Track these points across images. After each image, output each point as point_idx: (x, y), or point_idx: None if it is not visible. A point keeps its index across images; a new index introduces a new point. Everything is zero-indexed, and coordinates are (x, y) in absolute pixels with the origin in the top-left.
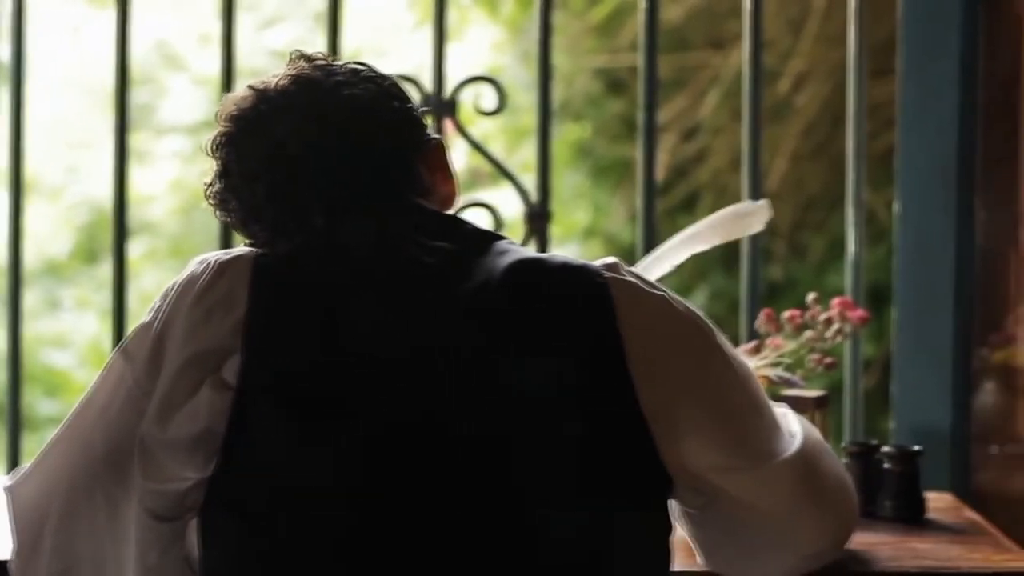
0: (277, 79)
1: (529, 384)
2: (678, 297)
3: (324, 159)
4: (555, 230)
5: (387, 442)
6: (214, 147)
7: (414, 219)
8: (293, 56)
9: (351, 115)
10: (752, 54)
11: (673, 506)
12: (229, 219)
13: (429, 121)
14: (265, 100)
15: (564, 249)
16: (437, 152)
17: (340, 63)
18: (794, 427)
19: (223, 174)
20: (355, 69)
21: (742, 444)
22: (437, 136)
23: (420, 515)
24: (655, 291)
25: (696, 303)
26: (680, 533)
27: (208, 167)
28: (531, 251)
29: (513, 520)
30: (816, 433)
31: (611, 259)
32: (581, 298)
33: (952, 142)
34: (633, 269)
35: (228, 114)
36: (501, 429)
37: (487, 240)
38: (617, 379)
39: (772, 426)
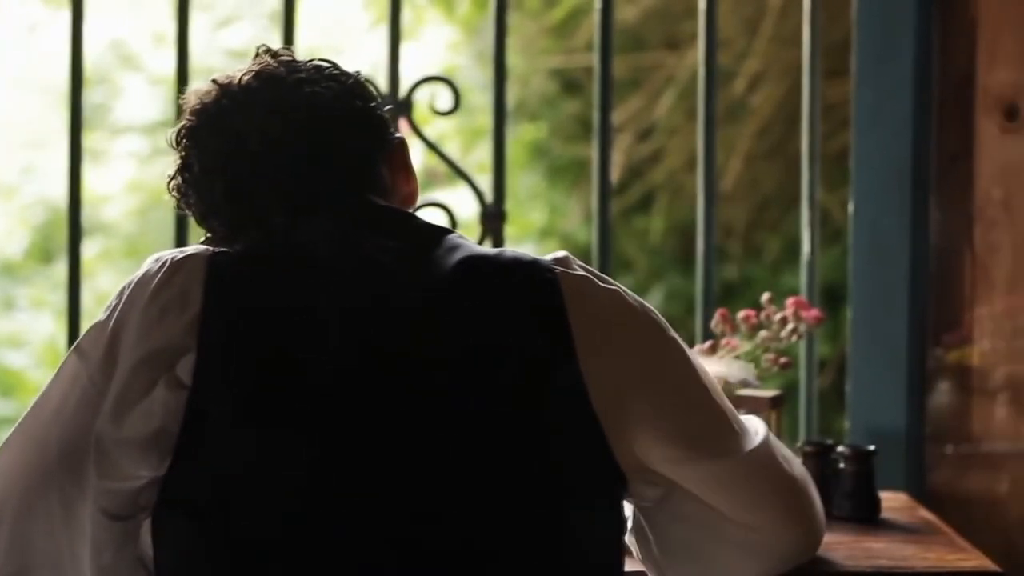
0: (241, 74)
1: (480, 379)
2: (631, 293)
3: (284, 156)
4: (511, 230)
5: (342, 441)
6: (176, 140)
7: (370, 217)
8: (259, 51)
9: (312, 113)
10: (706, 54)
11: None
12: (190, 213)
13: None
14: (227, 95)
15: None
16: (399, 152)
17: (305, 60)
18: (757, 426)
19: (184, 168)
20: (319, 66)
21: (697, 437)
22: (400, 136)
23: (373, 516)
24: (608, 286)
25: (652, 303)
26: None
27: (166, 164)
28: (483, 247)
29: (464, 519)
30: (774, 438)
31: (562, 253)
32: (531, 292)
33: (906, 142)
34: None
35: (191, 107)
36: (453, 425)
37: (439, 236)
38: (567, 373)
39: (729, 421)
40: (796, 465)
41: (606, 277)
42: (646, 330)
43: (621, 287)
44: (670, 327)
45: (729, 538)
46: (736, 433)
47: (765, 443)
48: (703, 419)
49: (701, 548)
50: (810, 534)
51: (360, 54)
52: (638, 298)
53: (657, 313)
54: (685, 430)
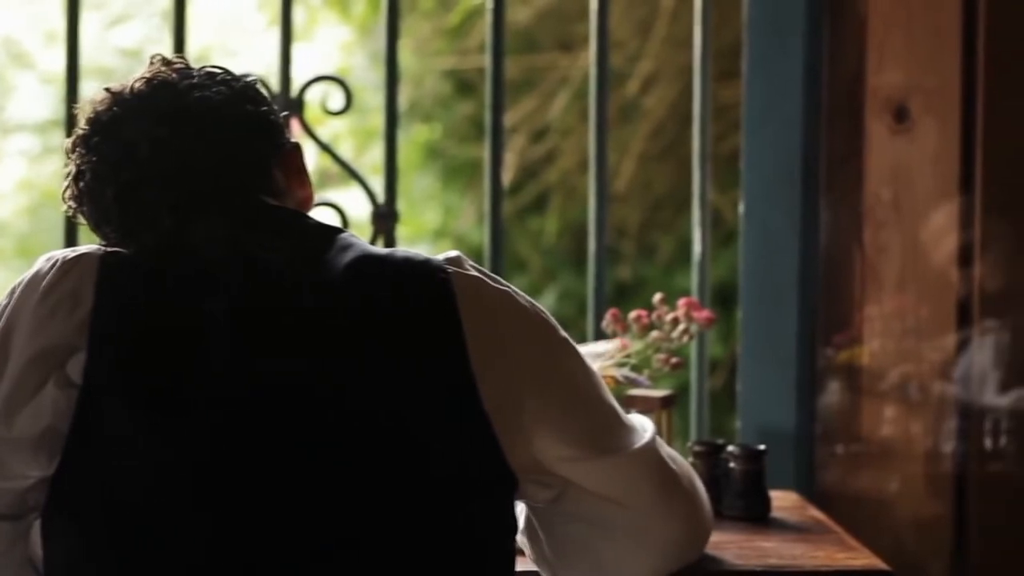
0: (134, 81)
1: (371, 379)
2: (523, 294)
3: (173, 161)
4: (405, 231)
5: (231, 441)
6: (70, 149)
7: (261, 217)
8: (153, 59)
9: (201, 117)
10: (598, 56)
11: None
12: (85, 221)
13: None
14: (119, 103)
15: (413, 249)
16: (293, 156)
17: (198, 67)
18: (644, 424)
19: (77, 176)
20: (211, 72)
21: (588, 435)
22: (294, 141)
23: (260, 514)
24: (500, 286)
25: (545, 304)
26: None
27: (58, 162)
28: (374, 247)
29: (351, 517)
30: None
31: (454, 253)
32: (423, 292)
33: (796, 143)
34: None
35: (86, 116)
36: (342, 424)
37: (330, 235)
38: (458, 374)
39: (619, 419)
40: (682, 463)
41: (498, 278)
42: (537, 331)
43: (513, 288)
44: (561, 328)
45: (619, 535)
46: (626, 429)
47: (653, 441)
48: (595, 417)
49: (592, 546)
50: (696, 530)
51: (255, 55)
52: (530, 299)
53: (548, 314)
54: (578, 429)
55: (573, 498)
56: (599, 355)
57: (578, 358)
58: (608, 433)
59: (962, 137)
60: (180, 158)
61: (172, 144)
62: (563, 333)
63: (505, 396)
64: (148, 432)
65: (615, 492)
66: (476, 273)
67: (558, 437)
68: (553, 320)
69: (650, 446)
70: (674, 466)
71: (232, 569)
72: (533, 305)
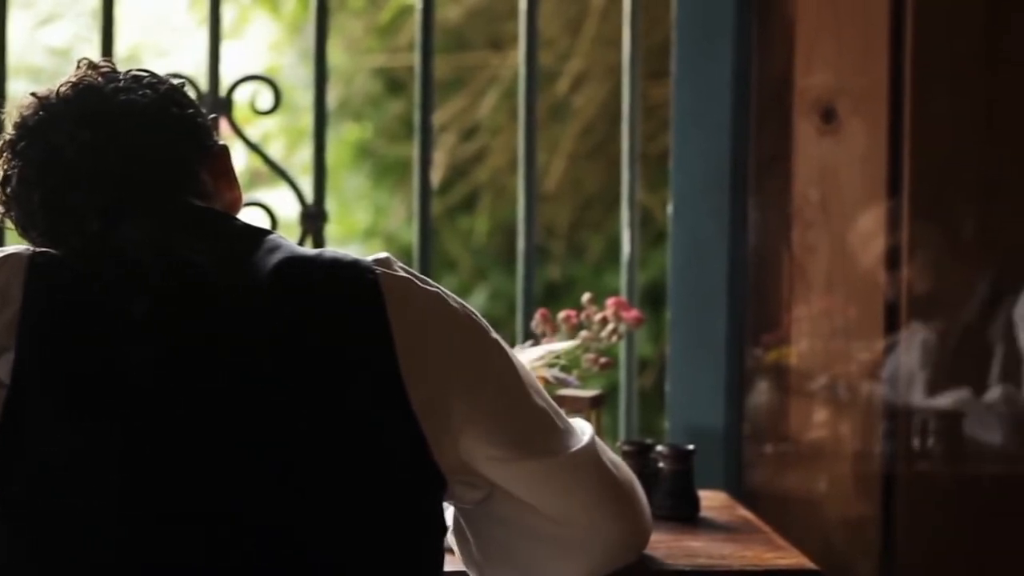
0: (60, 86)
1: (297, 379)
2: (453, 295)
3: (98, 164)
4: (335, 231)
5: (158, 440)
6: None
7: (187, 219)
8: (80, 63)
9: (126, 120)
10: (527, 55)
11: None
12: (13, 226)
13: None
14: (45, 107)
15: (345, 250)
16: (220, 158)
17: (124, 70)
18: (583, 427)
19: (4, 181)
20: (137, 76)
21: (520, 436)
22: (223, 143)
23: (187, 515)
24: (429, 287)
25: (476, 303)
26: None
27: None
28: (302, 247)
29: (276, 518)
30: (600, 441)
31: (383, 255)
32: (351, 294)
33: (725, 143)
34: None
35: (12, 122)
36: (268, 424)
37: (258, 237)
38: (386, 375)
39: (553, 421)
40: (622, 467)
41: (427, 279)
42: (467, 332)
43: (443, 289)
44: (492, 329)
45: (551, 539)
46: (560, 432)
47: (591, 444)
48: (526, 419)
49: (523, 549)
50: (634, 535)
51: (185, 54)
52: (460, 300)
53: (478, 315)
54: (508, 430)
55: (500, 500)
56: (554, 354)
57: (509, 359)
58: (540, 435)
59: (889, 139)
60: (106, 161)
61: (97, 147)
62: (494, 335)
63: (433, 397)
64: (75, 433)
65: (547, 496)
66: (405, 274)
67: (487, 439)
68: (484, 321)
69: (587, 449)
70: (613, 470)
71: (158, 568)
72: (463, 306)
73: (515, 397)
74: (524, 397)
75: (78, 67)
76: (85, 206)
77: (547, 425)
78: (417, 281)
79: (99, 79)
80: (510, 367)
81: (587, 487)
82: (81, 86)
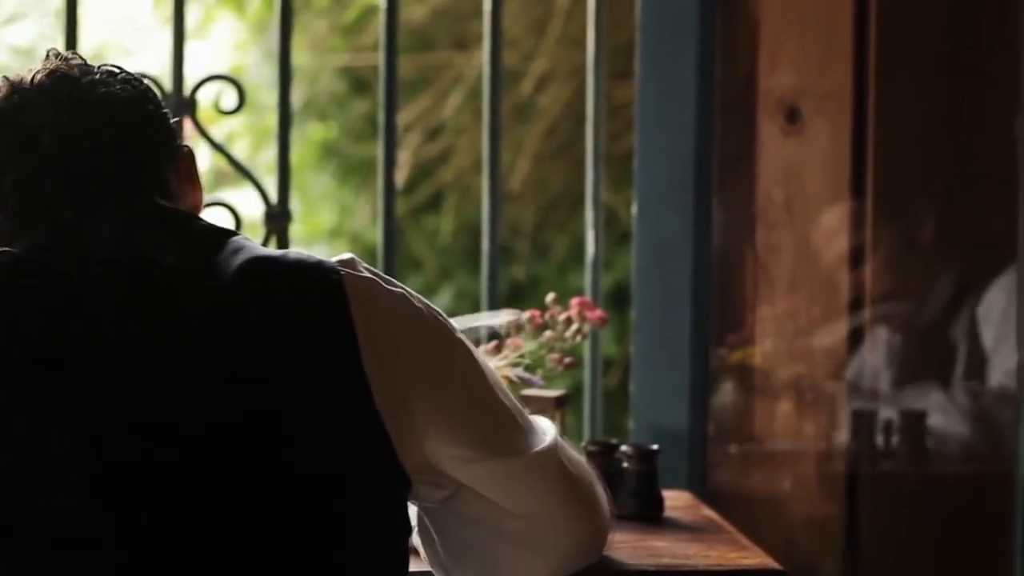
0: (33, 73)
1: (263, 382)
2: (418, 295)
3: (75, 152)
4: (301, 230)
5: (124, 443)
6: None
7: (154, 218)
8: (50, 54)
9: (107, 112)
10: (492, 54)
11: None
12: None
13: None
14: (19, 91)
15: (310, 250)
16: (187, 161)
17: (96, 65)
18: (546, 427)
19: None
20: (111, 71)
21: (482, 436)
22: (188, 147)
23: (143, 519)
24: (393, 288)
25: (441, 303)
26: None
27: None
28: (266, 248)
29: (240, 519)
30: (563, 441)
31: (347, 255)
32: (316, 294)
33: (689, 144)
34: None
35: None
36: (231, 426)
37: (221, 237)
38: (351, 375)
39: (517, 420)
40: (584, 467)
41: (392, 280)
42: (431, 332)
43: (407, 289)
44: (457, 329)
45: (515, 538)
46: (524, 432)
47: (553, 444)
48: (491, 419)
49: (487, 549)
50: (595, 535)
51: (150, 53)
52: (424, 300)
53: (443, 315)
54: (473, 430)
55: (465, 500)
56: (491, 326)
57: (474, 359)
58: (504, 435)
59: (853, 139)
60: (82, 150)
61: (74, 136)
62: (459, 334)
63: (398, 397)
64: (38, 434)
65: (510, 496)
66: (369, 275)
67: (451, 439)
68: (449, 321)
69: (550, 449)
70: (574, 470)
71: (123, 568)
72: (428, 307)
73: (479, 397)
74: (488, 397)
75: (47, 58)
76: (57, 195)
77: (511, 425)
78: (382, 282)
79: (74, 70)
80: (474, 367)
81: (549, 487)
82: (57, 74)
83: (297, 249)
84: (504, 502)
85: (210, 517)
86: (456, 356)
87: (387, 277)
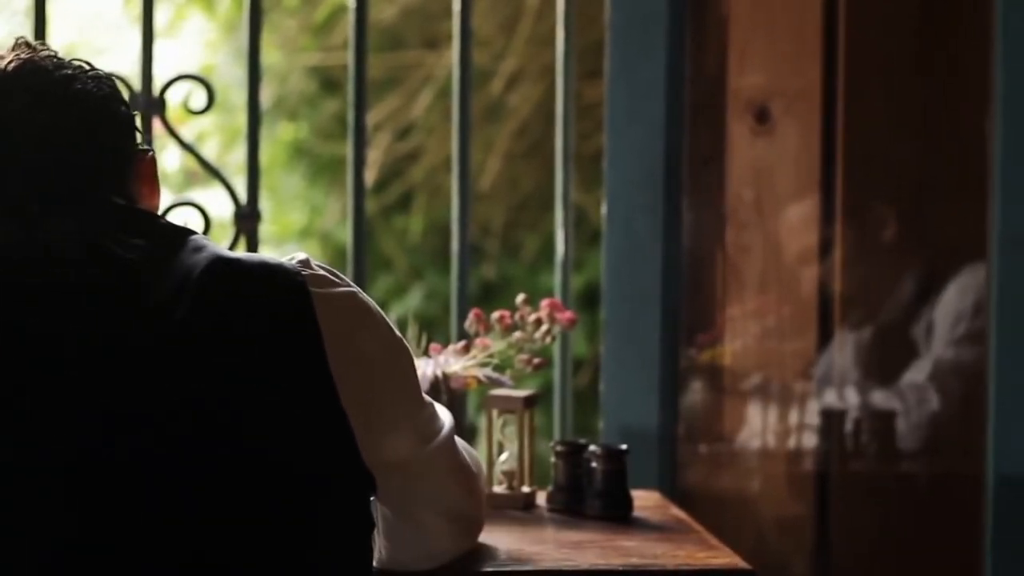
0: (5, 63)
1: (227, 383)
2: (359, 289)
3: (47, 147)
4: (270, 230)
5: (87, 442)
6: None
7: (119, 217)
8: (18, 42)
9: (81, 109)
10: (461, 54)
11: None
12: None
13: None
14: None
15: (280, 250)
16: (149, 164)
17: (67, 59)
18: (443, 410)
19: None
20: (82, 67)
21: (422, 427)
22: (151, 150)
23: (119, 520)
24: (345, 286)
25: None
26: None
27: None
28: (225, 249)
29: (208, 522)
30: None
31: (302, 255)
32: (286, 298)
33: (659, 143)
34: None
35: None
36: (199, 426)
37: (181, 236)
38: (317, 374)
39: (432, 407)
40: (470, 449)
41: (341, 275)
42: (380, 329)
43: (355, 286)
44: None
45: (426, 512)
46: (433, 414)
47: (452, 426)
48: (424, 409)
49: (405, 524)
50: (476, 510)
51: (121, 52)
52: (365, 294)
53: (381, 310)
54: (416, 423)
55: (400, 485)
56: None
57: (409, 354)
58: (431, 423)
59: (822, 139)
60: (54, 146)
61: (47, 129)
62: (397, 331)
63: (361, 395)
64: (4, 436)
65: (425, 478)
66: (324, 273)
67: (403, 433)
68: (386, 316)
69: (450, 431)
70: (464, 453)
71: (92, 567)
72: (372, 303)
73: (417, 390)
74: (418, 388)
75: (16, 46)
76: (25, 187)
77: (430, 411)
78: (335, 279)
79: (46, 62)
80: (411, 361)
81: (449, 467)
82: (29, 65)
83: (266, 249)
84: (418, 485)
85: (175, 515)
86: (399, 351)
87: (336, 272)
